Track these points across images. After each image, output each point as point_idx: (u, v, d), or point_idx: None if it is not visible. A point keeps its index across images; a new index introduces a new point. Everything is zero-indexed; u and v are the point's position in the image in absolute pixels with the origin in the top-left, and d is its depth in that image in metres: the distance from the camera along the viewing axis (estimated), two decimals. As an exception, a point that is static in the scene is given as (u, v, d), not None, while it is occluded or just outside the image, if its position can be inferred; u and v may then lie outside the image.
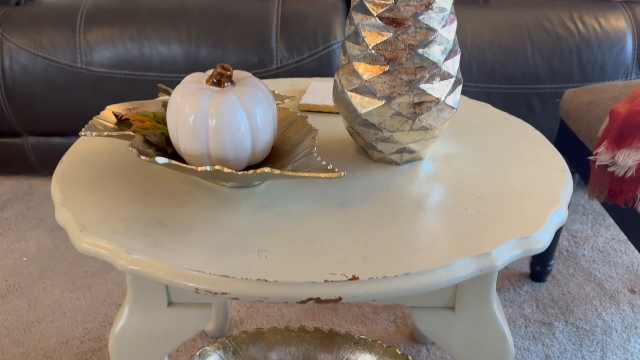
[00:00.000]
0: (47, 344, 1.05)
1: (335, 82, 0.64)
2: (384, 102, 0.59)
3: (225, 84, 0.59)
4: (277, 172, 0.54)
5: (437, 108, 0.60)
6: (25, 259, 1.28)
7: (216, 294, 0.48)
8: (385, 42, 0.57)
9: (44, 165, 1.55)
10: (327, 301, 0.47)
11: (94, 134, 0.60)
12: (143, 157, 0.55)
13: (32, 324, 1.09)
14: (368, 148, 0.65)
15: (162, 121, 0.67)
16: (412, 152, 0.64)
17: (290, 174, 0.54)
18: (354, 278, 0.48)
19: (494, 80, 1.31)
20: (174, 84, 1.35)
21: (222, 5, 1.33)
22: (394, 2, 0.56)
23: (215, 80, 0.59)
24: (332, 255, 0.50)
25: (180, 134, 0.59)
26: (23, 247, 1.32)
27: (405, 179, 0.63)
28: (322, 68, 1.32)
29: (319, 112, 0.80)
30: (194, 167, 0.54)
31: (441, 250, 0.51)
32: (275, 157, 0.64)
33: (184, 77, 1.35)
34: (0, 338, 1.06)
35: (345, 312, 1.13)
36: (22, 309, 1.13)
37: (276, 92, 0.74)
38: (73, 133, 1.47)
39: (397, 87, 0.58)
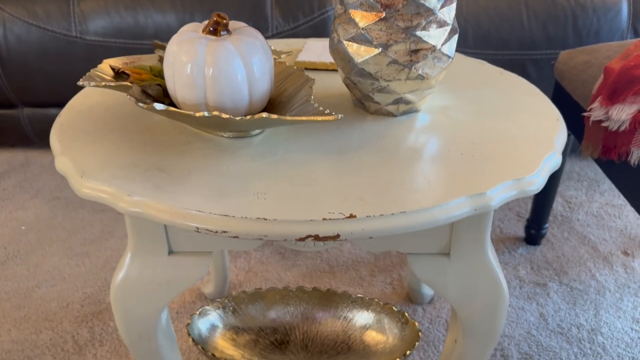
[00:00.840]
0: (48, 307, 1.06)
1: (332, 33, 0.65)
2: (380, 49, 0.59)
3: (222, 33, 0.59)
4: (275, 116, 0.54)
5: (433, 56, 0.60)
6: (23, 228, 1.29)
7: (216, 232, 0.49)
8: (381, -12, 0.57)
9: (39, 137, 1.54)
10: (325, 238, 0.48)
11: (92, 83, 0.60)
12: (141, 104, 0.55)
13: (32, 288, 1.10)
14: (364, 99, 0.66)
15: (159, 74, 0.67)
16: (408, 102, 0.65)
17: (288, 118, 0.54)
18: (352, 216, 0.49)
19: (489, 46, 1.32)
20: (169, 52, 1.35)
21: (216, -28, 1.32)
22: (389, -53, 0.56)
23: (211, 29, 0.59)
24: (330, 196, 0.51)
25: (178, 83, 0.59)
26: (21, 216, 1.33)
27: (401, 129, 0.64)
28: (317, 34, 1.31)
29: (315, 69, 0.80)
30: (192, 113, 0.54)
31: (437, 190, 0.52)
32: (272, 108, 0.64)
33: (179, 45, 1.35)
34: (1, 302, 1.07)
35: (342, 274, 1.14)
36: (22, 274, 1.14)
37: (272, 47, 0.74)
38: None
39: (393, 34, 0.59)
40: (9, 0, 1.36)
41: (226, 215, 0.49)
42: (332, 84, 0.76)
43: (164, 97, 0.64)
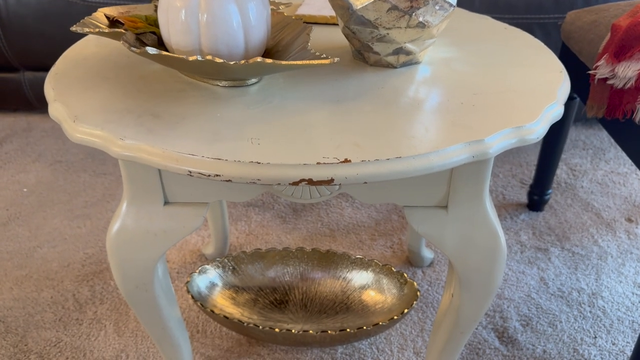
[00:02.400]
0: (49, 267, 1.06)
1: (331, -19, 0.63)
2: (379, -5, 0.58)
3: (218, -22, 0.58)
4: (269, 61, 0.53)
5: (435, 2, 0.59)
6: (25, 190, 1.29)
7: (209, 176, 0.48)
8: None
9: (41, 102, 1.54)
10: (319, 182, 0.48)
11: (86, 29, 0.59)
12: (134, 49, 0.54)
13: (34, 249, 1.11)
14: (364, 50, 0.64)
15: (154, 23, 0.66)
16: (408, 52, 0.63)
17: (283, 62, 0.53)
18: (346, 160, 0.48)
19: (496, 9, 1.29)
20: (170, 14, 1.33)
21: None
22: None
23: (207, -26, 0.58)
24: (325, 142, 0.50)
25: (172, 30, 0.58)
26: (23, 179, 1.33)
27: (401, 80, 0.62)
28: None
29: (315, 22, 0.79)
30: (185, 57, 0.53)
31: (434, 137, 0.51)
32: (268, 57, 0.63)
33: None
34: (2, 262, 1.07)
35: (343, 238, 1.14)
36: (23, 235, 1.14)
37: None
38: (69, 67, 1.46)
39: (392, -20, 0.57)
40: (8, -40, 1.34)
41: (219, 159, 0.48)
42: (332, 38, 0.75)
43: (159, 45, 0.63)
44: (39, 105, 1.55)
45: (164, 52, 0.54)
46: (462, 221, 0.60)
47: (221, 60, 0.53)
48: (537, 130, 0.53)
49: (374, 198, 0.59)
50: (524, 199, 1.26)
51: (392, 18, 0.59)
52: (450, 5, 0.61)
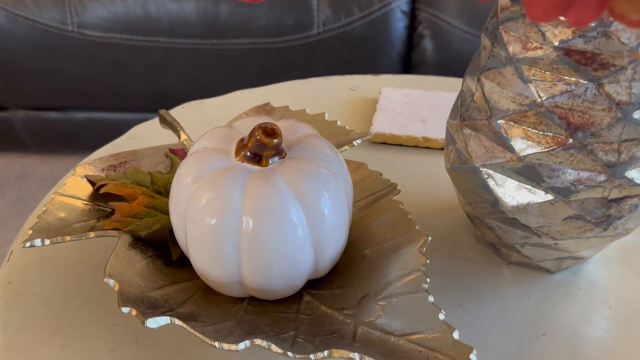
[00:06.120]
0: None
1: (451, 138, 0.38)
2: (553, 196, 0.33)
3: (269, 160, 0.33)
4: None
5: (648, 205, 0.34)
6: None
7: None
8: (571, 93, 0.30)
9: (36, 143, 1.31)
10: None
11: (47, 241, 0.35)
12: (125, 309, 0.31)
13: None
14: (502, 246, 0.40)
15: (164, 191, 0.42)
16: (578, 258, 0.39)
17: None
18: None
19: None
20: (186, 52, 1.08)
21: (247, -50, 1.03)
22: (598, 27, 0.28)
23: (249, 154, 0.33)
24: None
25: (192, 245, 0.34)
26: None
27: (564, 309, 0.38)
28: (377, 34, 1.02)
29: (400, 144, 0.54)
30: (213, 343, 0.29)
31: None
32: (347, 260, 0.38)
33: (199, 44, 1.08)
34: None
35: None
36: None
37: (339, 122, 0.48)
38: (68, 107, 1.22)
39: (582, 174, 0.32)
40: (-11, -16, 1.09)
41: None
42: (427, 173, 0.50)
43: (172, 240, 0.39)
44: (34, 146, 1.32)
45: (177, 322, 0.30)
46: None
47: (281, 350, 0.29)
48: None
49: None
50: None
51: (570, 228, 0.34)
52: (669, 199, 0.35)
